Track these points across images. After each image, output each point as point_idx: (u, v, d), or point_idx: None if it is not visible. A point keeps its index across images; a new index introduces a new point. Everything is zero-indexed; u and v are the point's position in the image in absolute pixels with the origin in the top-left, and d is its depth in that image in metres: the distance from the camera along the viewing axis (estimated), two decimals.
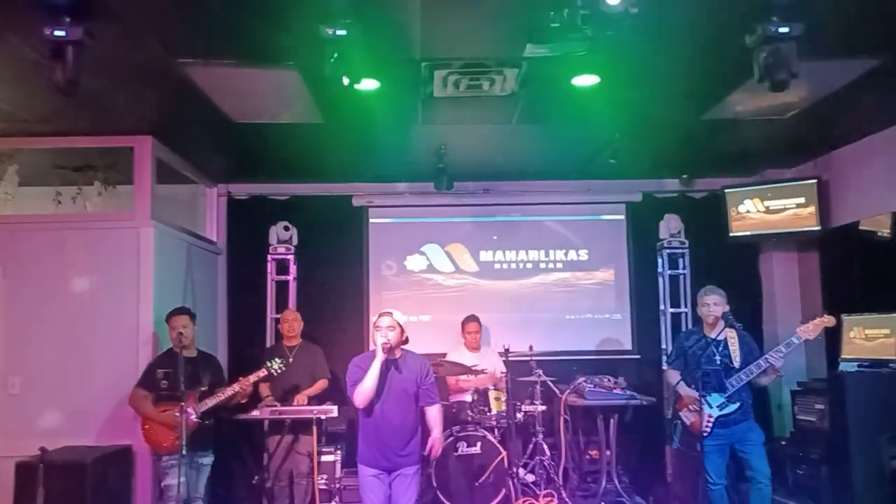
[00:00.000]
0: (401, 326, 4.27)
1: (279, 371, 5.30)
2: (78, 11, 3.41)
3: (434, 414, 4.44)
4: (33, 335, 5.54)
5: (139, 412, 5.05)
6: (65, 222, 5.82)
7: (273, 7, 3.62)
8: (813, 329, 4.59)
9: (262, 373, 5.24)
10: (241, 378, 5.16)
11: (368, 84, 4.51)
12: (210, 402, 4.94)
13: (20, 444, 4.99)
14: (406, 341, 4.37)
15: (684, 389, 4.77)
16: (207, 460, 5.17)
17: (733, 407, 4.71)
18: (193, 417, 4.82)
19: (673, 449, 5.34)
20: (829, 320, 4.62)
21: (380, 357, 4.13)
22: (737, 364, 4.75)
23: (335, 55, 3.53)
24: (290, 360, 5.93)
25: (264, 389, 5.87)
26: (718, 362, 4.77)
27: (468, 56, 4.34)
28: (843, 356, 5.66)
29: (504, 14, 3.73)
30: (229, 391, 5.04)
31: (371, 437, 4.25)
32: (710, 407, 4.68)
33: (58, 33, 3.40)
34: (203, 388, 4.99)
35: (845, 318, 5.62)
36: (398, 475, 4.27)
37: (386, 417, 4.21)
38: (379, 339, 4.18)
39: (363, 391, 4.13)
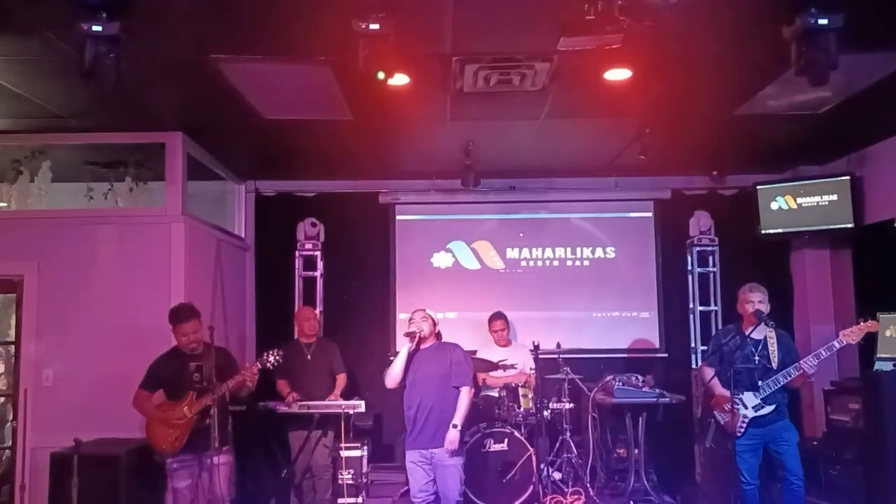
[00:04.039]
0: (433, 319, 4.61)
1: (275, 365, 4.95)
2: (114, 7, 3.44)
3: (460, 398, 4.51)
4: (66, 329, 5.60)
5: (141, 413, 4.86)
6: (98, 217, 5.90)
7: (306, 1, 3.62)
8: (856, 334, 4.53)
9: (256, 367, 4.84)
10: (234, 376, 4.76)
11: (399, 79, 4.52)
12: (205, 401, 4.59)
13: (54, 435, 5.04)
14: (439, 335, 4.65)
15: (719, 388, 4.70)
16: (224, 459, 4.78)
17: (769, 409, 4.63)
18: (190, 416, 4.62)
19: (704, 448, 5.27)
20: (872, 325, 4.55)
21: (407, 345, 4.53)
22: (775, 365, 4.67)
23: (368, 50, 3.54)
24: (309, 357, 5.98)
25: (283, 387, 5.87)
26: (756, 361, 4.69)
27: (499, 50, 4.32)
28: (879, 355, 5.55)
29: (537, 7, 3.70)
30: (224, 389, 4.65)
31: (411, 422, 4.51)
32: (746, 407, 4.62)
33: (94, 29, 3.43)
34: (203, 385, 4.67)
35: (881, 316, 5.44)
36: (440, 465, 4.43)
37: (424, 403, 4.46)
38: (412, 328, 4.56)
39: (390, 374, 4.57)
